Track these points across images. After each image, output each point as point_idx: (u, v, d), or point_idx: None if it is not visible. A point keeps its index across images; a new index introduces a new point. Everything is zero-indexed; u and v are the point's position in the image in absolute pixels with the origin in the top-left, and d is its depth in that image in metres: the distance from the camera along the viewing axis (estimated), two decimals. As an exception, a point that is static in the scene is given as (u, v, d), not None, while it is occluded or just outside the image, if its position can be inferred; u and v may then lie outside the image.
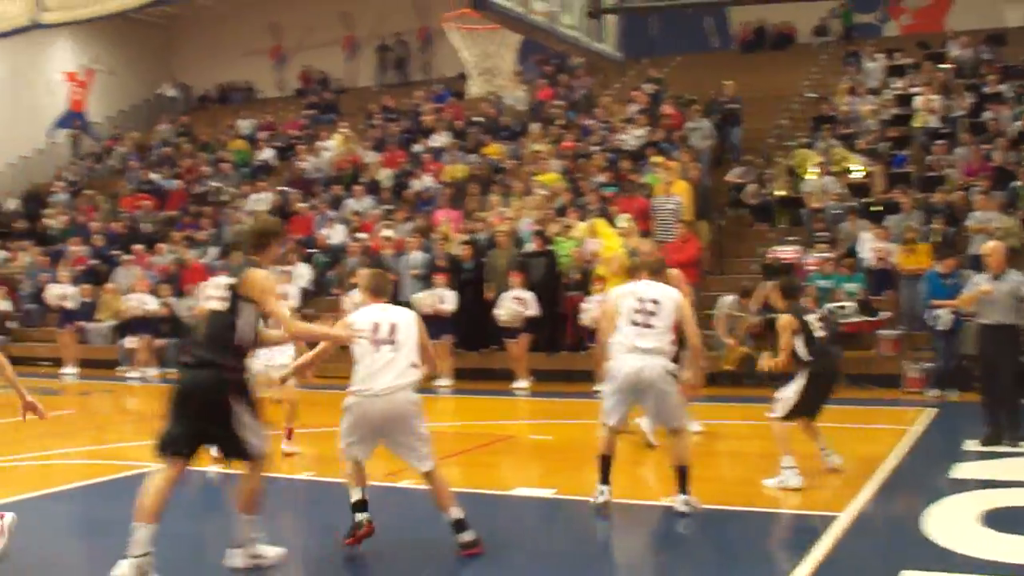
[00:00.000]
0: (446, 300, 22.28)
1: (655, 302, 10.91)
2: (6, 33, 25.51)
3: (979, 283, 14.07)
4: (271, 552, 9.12)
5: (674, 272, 13.68)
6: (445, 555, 9.43)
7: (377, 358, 9.37)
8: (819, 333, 12.43)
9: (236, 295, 8.81)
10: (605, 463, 11.06)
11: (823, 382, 12.51)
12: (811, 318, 12.62)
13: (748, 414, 17.60)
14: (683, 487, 10.71)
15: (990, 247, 14.20)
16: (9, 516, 9.20)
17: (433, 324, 22.12)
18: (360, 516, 9.56)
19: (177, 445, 8.88)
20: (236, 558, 9.02)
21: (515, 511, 11.53)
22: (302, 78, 45.52)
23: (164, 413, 8.97)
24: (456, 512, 9.46)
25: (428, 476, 9.55)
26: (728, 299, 20.78)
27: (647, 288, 11.10)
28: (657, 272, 11.45)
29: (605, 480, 11.01)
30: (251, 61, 46.62)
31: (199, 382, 8.85)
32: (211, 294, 8.99)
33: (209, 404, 8.76)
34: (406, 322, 9.65)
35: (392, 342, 9.46)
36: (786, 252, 22.71)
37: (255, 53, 46.28)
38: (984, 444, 13.78)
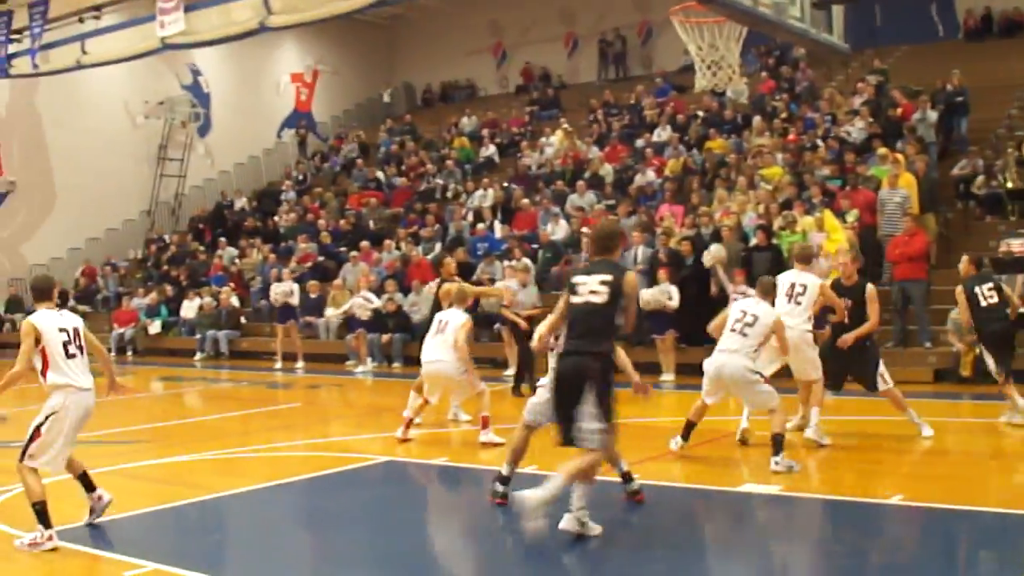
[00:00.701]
0: (672, 296, 22.28)
1: (755, 316, 12.96)
2: (237, 36, 26.09)
3: None
4: (596, 528, 9.82)
5: (871, 289, 14.18)
6: (667, 547, 9.49)
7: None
8: (984, 302, 14.90)
9: (616, 292, 9.78)
10: (690, 426, 13.58)
11: (989, 342, 15.20)
12: (981, 287, 15.16)
13: (979, 411, 17.33)
14: (776, 451, 12.43)
15: None
16: None
17: (657, 320, 22.30)
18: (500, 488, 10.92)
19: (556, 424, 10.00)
20: (567, 521, 9.71)
21: (742, 507, 11.49)
22: (523, 75, 45.94)
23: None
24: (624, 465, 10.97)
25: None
26: (953, 312, 20.55)
27: (753, 304, 13.23)
28: (768, 293, 13.47)
29: (685, 437, 13.57)
30: (472, 59, 47.29)
31: (571, 368, 9.82)
32: (594, 288, 9.84)
33: (572, 388, 9.70)
34: None
35: None
36: (1018, 245, 22.16)
37: (476, 51, 46.96)
38: None
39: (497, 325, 24.10)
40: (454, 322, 15.20)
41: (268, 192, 40.72)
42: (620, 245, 10.64)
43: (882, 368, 14.25)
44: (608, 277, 9.82)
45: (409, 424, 15.43)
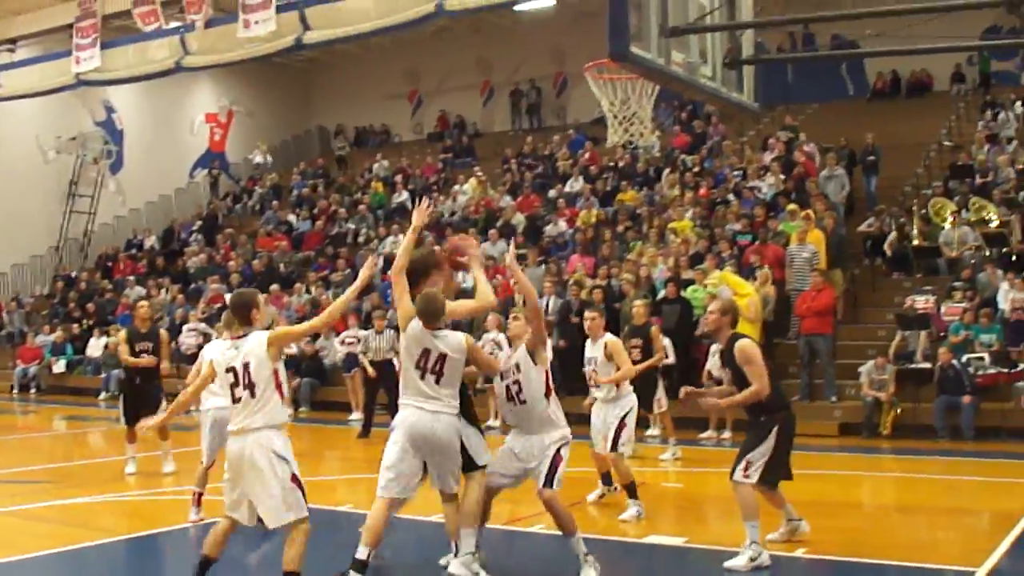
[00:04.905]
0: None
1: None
2: (153, 75, 26.10)
3: None
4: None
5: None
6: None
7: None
8: None
9: None
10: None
11: None
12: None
13: (883, 465, 17.52)
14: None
15: None
16: None
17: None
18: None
19: None
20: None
21: (645, 558, 11.55)
22: (439, 122, 46.02)
23: None
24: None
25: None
26: (868, 365, 20.72)
27: None
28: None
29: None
30: (388, 105, 47.36)
31: None
32: None
33: None
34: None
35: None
36: (922, 301, 22.46)
37: (392, 97, 47.00)
38: None
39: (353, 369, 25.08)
40: None
41: (178, 232, 40.43)
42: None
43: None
44: None
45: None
